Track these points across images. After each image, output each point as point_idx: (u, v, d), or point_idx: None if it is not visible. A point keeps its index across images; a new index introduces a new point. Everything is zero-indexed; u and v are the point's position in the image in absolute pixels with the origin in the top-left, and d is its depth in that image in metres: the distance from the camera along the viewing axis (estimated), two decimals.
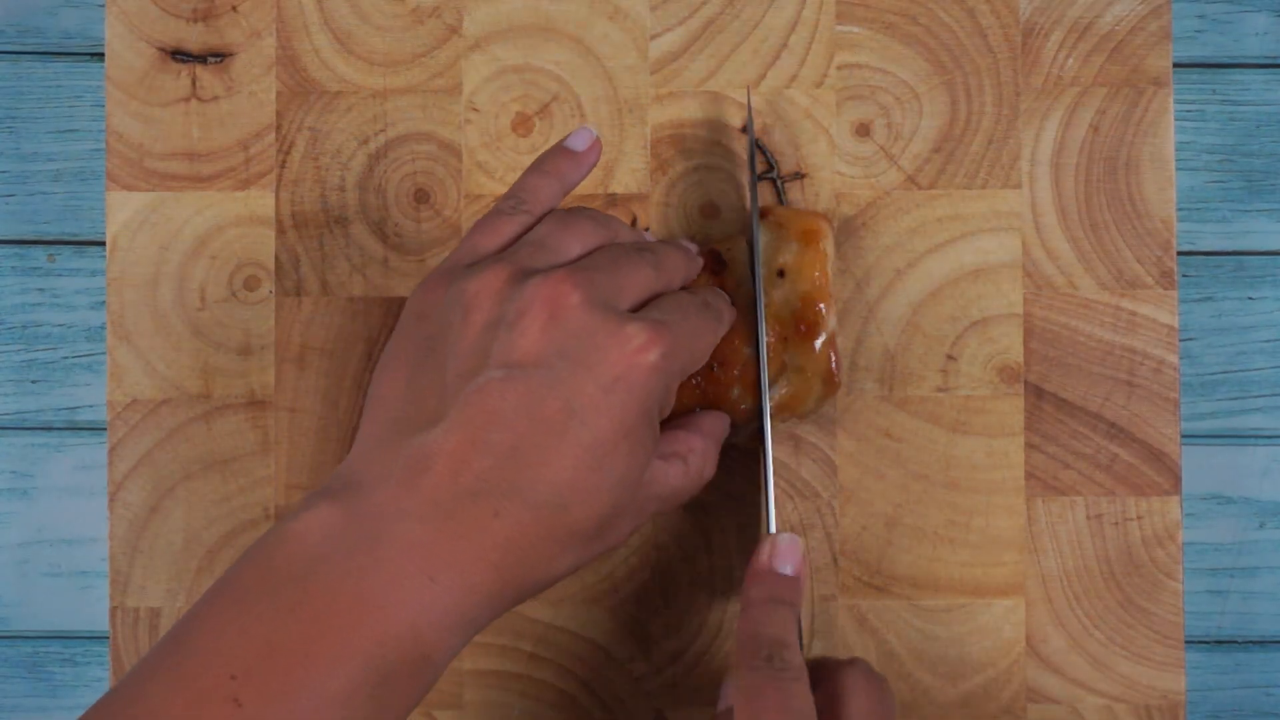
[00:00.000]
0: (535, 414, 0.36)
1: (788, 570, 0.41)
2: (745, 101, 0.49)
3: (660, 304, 0.40)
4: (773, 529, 0.42)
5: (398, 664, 0.35)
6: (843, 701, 0.39)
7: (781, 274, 0.45)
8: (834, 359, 0.45)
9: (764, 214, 0.46)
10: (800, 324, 0.45)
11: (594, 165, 0.44)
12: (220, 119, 0.49)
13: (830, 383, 0.46)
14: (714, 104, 0.49)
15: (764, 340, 0.45)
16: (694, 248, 0.46)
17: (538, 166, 0.43)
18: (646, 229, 0.49)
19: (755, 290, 0.45)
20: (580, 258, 0.41)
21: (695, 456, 0.42)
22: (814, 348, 0.45)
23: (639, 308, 0.40)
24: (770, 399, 0.46)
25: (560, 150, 0.43)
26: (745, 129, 0.49)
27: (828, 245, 0.46)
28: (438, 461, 0.36)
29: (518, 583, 0.37)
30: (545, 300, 0.37)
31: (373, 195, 0.49)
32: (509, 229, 0.41)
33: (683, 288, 0.44)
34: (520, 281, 0.38)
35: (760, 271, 0.45)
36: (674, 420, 0.44)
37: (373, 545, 0.35)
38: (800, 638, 0.39)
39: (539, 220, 0.42)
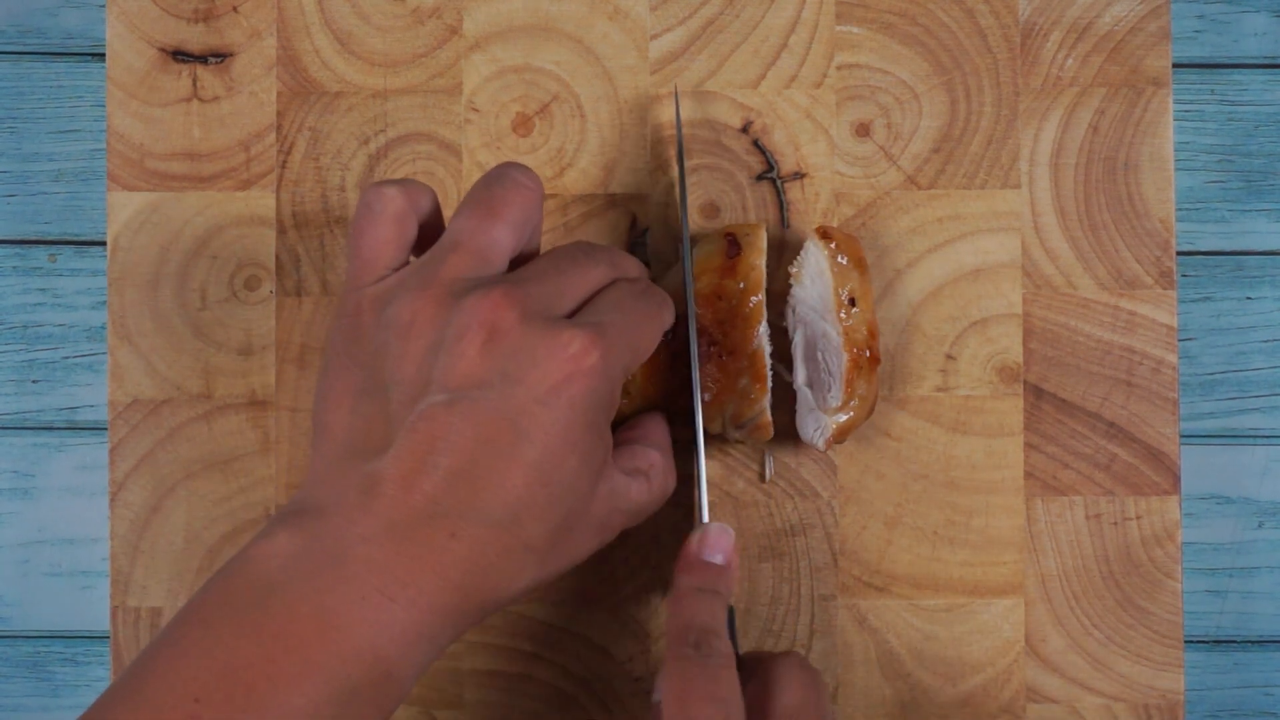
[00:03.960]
0: (481, 435, 0.36)
1: (717, 559, 0.41)
2: (744, 102, 0.49)
3: (597, 303, 0.40)
4: (705, 519, 0.42)
5: (360, 681, 0.35)
6: (773, 693, 0.39)
7: (853, 303, 0.45)
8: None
9: (826, 235, 0.46)
10: (867, 352, 0.45)
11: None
12: (221, 119, 0.50)
13: (873, 409, 0.46)
14: (714, 104, 0.49)
15: (694, 344, 0.44)
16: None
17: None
18: (645, 230, 0.49)
19: (687, 300, 0.45)
20: (519, 261, 0.39)
21: (657, 472, 0.42)
22: (875, 376, 0.45)
23: (584, 303, 0.40)
24: (832, 426, 0.45)
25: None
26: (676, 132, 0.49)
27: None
28: (390, 486, 0.36)
29: (479, 600, 0.37)
30: (482, 322, 0.37)
31: None
32: (390, 230, 0.40)
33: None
34: (454, 302, 0.37)
35: (690, 283, 0.44)
36: (624, 430, 0.44)
37: (331, 567, 0.35)
38: (732, 627, 0.39)
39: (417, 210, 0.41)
